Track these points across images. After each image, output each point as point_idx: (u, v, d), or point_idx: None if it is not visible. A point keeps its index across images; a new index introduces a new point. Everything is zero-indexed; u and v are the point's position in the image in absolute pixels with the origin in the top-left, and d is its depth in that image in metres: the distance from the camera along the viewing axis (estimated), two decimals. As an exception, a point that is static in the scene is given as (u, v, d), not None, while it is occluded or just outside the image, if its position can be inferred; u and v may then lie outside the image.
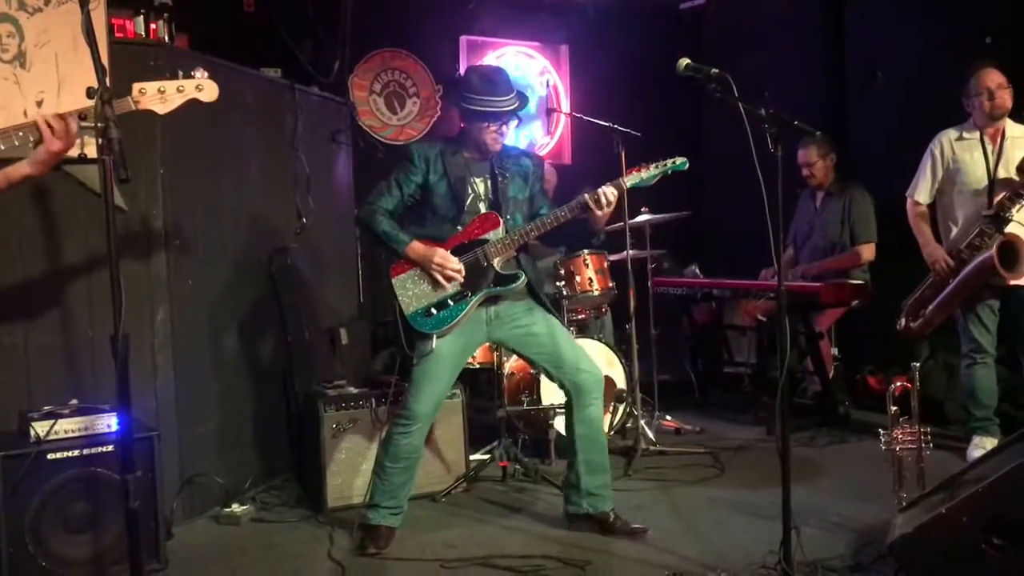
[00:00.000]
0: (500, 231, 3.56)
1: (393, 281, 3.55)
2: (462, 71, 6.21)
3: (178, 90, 2.68)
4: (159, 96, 2.66)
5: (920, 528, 2.86)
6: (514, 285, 3.57)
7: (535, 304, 3.70)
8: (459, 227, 3.56)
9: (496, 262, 3.55)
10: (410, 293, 3.53)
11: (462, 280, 3.52)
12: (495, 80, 3.54)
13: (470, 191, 3.58)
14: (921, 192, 4.66)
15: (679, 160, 3.55)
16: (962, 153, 4.51)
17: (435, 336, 3.51)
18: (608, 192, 3.44)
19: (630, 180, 3.50)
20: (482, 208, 3.59)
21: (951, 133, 4.57)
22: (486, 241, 3.54)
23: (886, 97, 5.92)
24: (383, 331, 5.72)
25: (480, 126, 3.54)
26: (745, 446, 4.97)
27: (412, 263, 3.53)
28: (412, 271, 3.54)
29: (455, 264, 3.50)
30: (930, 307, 4.56)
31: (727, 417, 5.74)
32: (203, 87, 2.73)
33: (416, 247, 3.51)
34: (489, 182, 3.62)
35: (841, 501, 3.92)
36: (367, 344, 5.50)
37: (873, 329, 5.65)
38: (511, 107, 3.53)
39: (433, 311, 3.52)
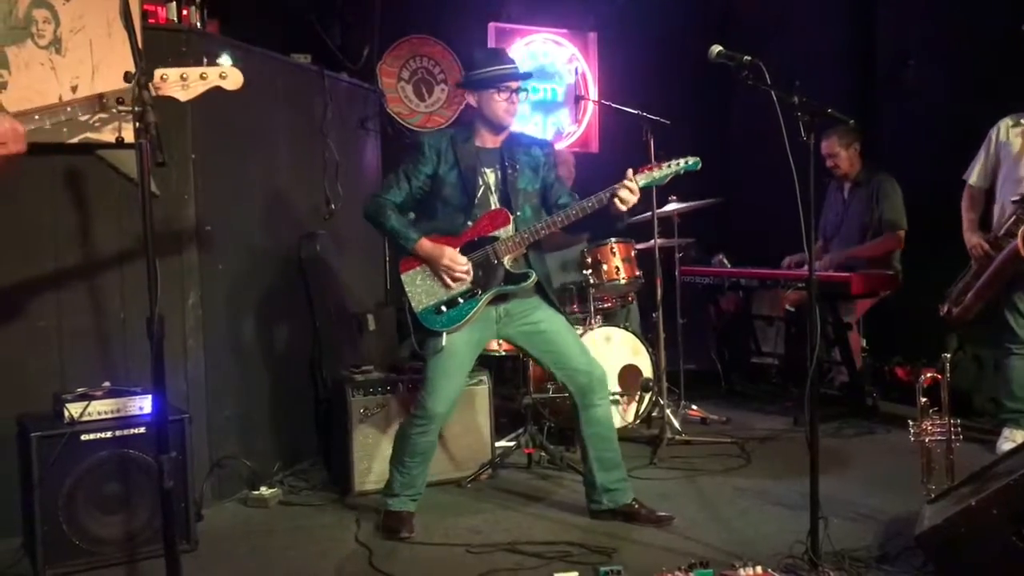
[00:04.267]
0: (510, 228, 3.51)
1: (403, 277, 3.53)
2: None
3: (201, 77, 2.64)
4: (181, 83, 2.62)
5: (949, 520, 2.84)
6: (524, 284, 3.54)
7: (543, 302, 3.66)
8: (470, 221, 3.52)
9: (506, 260, 3.51)
10: (420, 289, 3.52)
11: (471, 280, 3.51)
12: (497, 52, 3.62)
13: (481, 182, 3.54)
14: (973, 174, 4.59)
15: (691, 160, 3.45)
16: (1013, 139, 4.44)
17: (445, 333, 3.50)
18: (629, 187, 3.37)
19: (641, 179, 3.41)
20: (493, 201, 3.56)
21: (1010, 119, 4.48)
22: (496, 239, 3.51)
23: (918, 86, 5.84)
24: (408, 317, 5.71)
25: (490, 95, 3.51)
26: (771, 436, 4.96)
27: (421, 259, 3.52)
28: (421, 267, 3.51)
29: (463, 265, 3.47)
30: (969, 294, 4.49)
31: (753, 407, 5.73)
32: (227, 75, 2.68)
33: (424, 245, 3.48)
34: (499, 173, 3.58)
35: (869, 492, 3.90)
36: (394, 330, 5.51)
37: (902, 320, 5.60)
38: (516, 71, 3.53)
39: (443, 308, 3.50)
